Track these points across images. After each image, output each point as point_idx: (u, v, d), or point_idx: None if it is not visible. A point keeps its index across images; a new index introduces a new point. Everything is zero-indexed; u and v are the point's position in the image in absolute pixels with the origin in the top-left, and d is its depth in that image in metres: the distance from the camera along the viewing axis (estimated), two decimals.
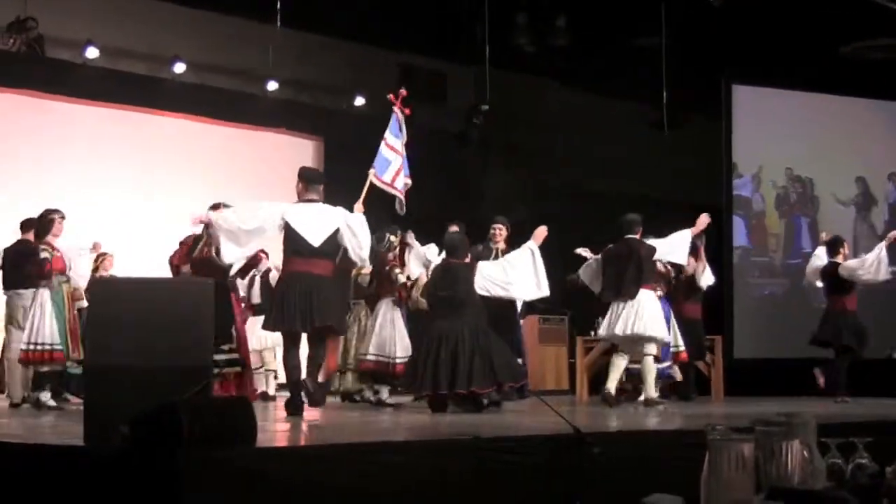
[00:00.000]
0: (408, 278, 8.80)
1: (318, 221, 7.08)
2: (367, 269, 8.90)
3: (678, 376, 10.07)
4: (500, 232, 8.97)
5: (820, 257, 10.34)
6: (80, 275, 8.45)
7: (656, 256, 8.87)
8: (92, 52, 11.65)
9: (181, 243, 8.51)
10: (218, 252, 7.36)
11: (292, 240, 7.06)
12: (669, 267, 9.62)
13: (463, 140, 14.09)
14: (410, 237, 8.87)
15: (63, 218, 8.44)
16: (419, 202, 8.57)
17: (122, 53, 12.07)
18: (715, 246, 10.24)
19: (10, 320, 8.65)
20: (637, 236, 8.84)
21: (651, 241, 8.86)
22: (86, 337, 7.22)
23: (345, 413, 7.88)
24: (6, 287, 8.74)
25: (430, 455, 3.94)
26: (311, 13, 11.59)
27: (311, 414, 7.07)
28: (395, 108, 8.31)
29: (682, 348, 9.82)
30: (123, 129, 12.10)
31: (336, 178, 8.65)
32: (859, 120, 14.07)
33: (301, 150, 13.19)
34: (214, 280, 5.18)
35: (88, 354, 4.96)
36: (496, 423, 6.06)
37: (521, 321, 9.30)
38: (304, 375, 7.18)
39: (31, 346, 8.16)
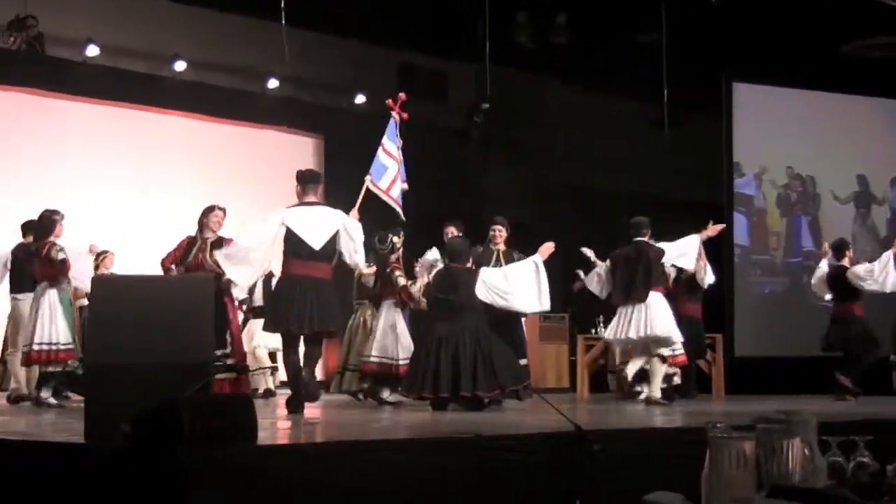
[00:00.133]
0: (410, 280, 8.75)
1: (319, 224, 7.06)
2: (370, 270, 8.88)
3: (678, 379, 10.05)
4: (500, 233, 8.88)
5: (824, 269, 10.26)
6: (84, 275, 8.42)
7: (664, 260, 8.85)
8: (92, 51, 11.65)
9: (176, 248, 8.42)
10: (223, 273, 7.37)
11: (292, 242, 7.03)
12: (672, 266, 9.61)
13: (463, 138, 14.08)
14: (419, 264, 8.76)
15: (62, 218, 8.42)
16: (420, 200, 8.55)
17: (122, 51, 12.06)
18: (716, 244, 10.20)
19: (16, 325, 8.62)
20: (646, 238, 8.84)
21: (660, 245, 8.86)
22: (86, 335, 7.21)
23: (345, 411, 7.88)
24: (13, 290, 8.70)
25: (431, 453, 3.94)
26: (312, 11, 11.56)
27: (311, 412, 7.08)
28: (394, 113, 8.29)
29: (681, 351, 9.80)
30: (123, 126, 12.09)
31: (336, 177, 8.64)
32: (860, 118, 14.06)
33: (301, 149, 13.17)
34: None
35: (89, 352, 4.95)
36: (497, 421, 6.07)
37: (523, 318, 9.25)
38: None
39: (37, 347, 8.13)
